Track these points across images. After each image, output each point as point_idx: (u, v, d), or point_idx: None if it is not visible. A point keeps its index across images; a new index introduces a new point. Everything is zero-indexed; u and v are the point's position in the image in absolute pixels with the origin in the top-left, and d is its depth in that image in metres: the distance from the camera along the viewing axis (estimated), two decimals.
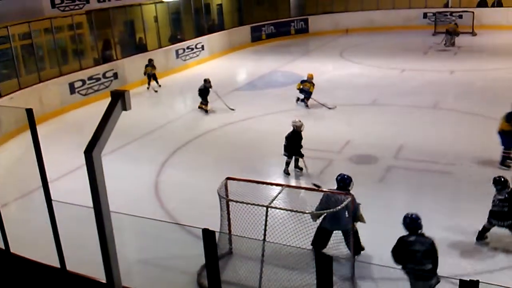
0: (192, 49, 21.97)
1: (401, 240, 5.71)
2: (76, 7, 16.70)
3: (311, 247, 6.58)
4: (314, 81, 14.49)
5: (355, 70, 19.29)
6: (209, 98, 14.80)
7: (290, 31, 27.63)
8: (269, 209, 6.28)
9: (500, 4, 27.31)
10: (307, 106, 14.45)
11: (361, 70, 19.30)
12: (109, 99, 4.76)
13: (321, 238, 6.77)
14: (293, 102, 14.69)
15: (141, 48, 19.84)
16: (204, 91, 14.75)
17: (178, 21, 22.89)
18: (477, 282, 4.19)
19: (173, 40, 21.57)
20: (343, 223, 6.58)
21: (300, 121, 10.04)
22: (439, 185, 9.32)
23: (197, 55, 22.24)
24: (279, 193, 6.67)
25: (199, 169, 10.73)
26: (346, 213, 6.48)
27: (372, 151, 11.02)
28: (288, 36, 27.33)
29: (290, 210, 6.38)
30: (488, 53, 21.11)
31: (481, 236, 7.35)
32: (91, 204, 4.73)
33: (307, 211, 6.35)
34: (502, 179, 7.17)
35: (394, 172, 10.04)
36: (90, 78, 16.82)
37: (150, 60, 17.73)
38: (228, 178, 7.02)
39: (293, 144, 9.97)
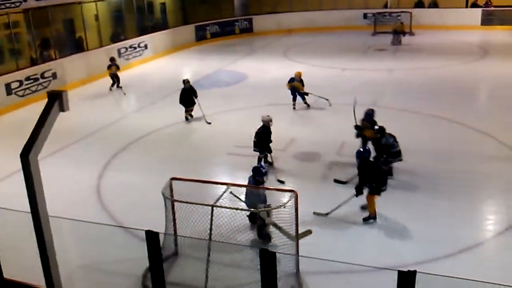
0: (135, 48, 21.59)
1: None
2: (13, 5, 16.02)
3: (256, 244, 6.63)
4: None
5: (298, 70, 19.53)
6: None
7: (235, 30, 27.71)
8: (214, 208, 6.29)
9: (436, 5, 28.53)
10: (308, 106, 14.37)
11: (303, 69, 19.49)
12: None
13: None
14: (240, 101, 14.71)
15: (81, 47, 19.28)
16: (187, 93, 13.53)
17: (120, 19, 22.42)
18: (415, 272, 4.39)
19: (115, 39, 21.11)
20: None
21: (268, 116, 10.08)
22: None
23: (140, 55, 21.88)
24: (224, 192, 6.68)
25: (143, 170, 10.57)
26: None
27: (315, 149, 11.24)
28: (232, 35, 27.39)
29: (235, 209, 6.41)
30: (426, 52, 21.99)
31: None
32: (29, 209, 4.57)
33: (251, 209, 6.38)
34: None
35: (336, 169, 10.27)
36: (27, 79, 16.18)
37: (113, 59, 17.15)
38: (172, 179, 6.96)
39: (264, 139, 10.04)
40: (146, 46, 22.17)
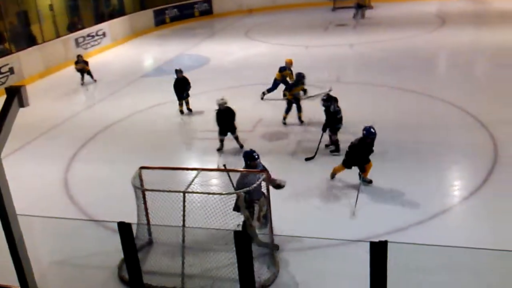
0: (93, 36, 21.07)
1: None
2: None
3: (230, 227, 6.63)
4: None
5: (261, 49, 19.53)
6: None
7: (194, 13, 27.33)
8: (186, 194, 6.26)
9: None
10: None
11: (267, 49, 19.58)
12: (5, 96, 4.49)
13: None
14: (204, 85, 14.56)
15: (37, 39, 18.69)
16: (181, 83, 12.54)
17: (75, 8, 21.79)
18: (386, 242, 4.49)
19: (72, 28, 20.53)
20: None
21: (222, 99, 10.11)
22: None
23: (99, 43, 21.37)
24: (195, 177, 6.65)
25: (111, 161, 10.42)
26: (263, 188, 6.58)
27: (282, 128, 11.29)
28: (192, 18, 27.04)
29: (207, 193, 6.39)
30: (385, 25, 22.22)
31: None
32: None
33: (224, 192, 6.38)
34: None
35: (304, 145, 10.36)
36: None
37: (79, 56, 16.46)
38: (141, 168, 6.88)
39: (222, 121, 10.09)
40: (104, 34, 21.66)
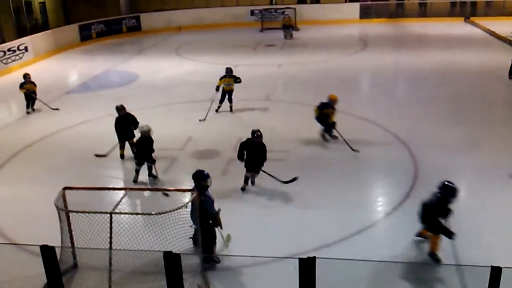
0: (14, 51, 20.14)
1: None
2: None
3: (160, 248, 6.54)
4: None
5: (190, 68, 19.54)
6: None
7: (122, 29, 26.93)
8: (113, 215, 6.11)
9: (317, 1, 29.92)
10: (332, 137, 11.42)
11: (196, 67, 19.61)
12: None
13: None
14: (132, 102, 14.28)
15: None
16: (123, 122, 10.61)
17: None
18: (314, 258, 4.64)
19: None
20: (193, 221, 6.65)
21: (147, 126, 9.36)
22: (277, 171, 9.92)
23: (21, 58, 20.45)
24: (122, 197, 6.52)
25: (32, 182, 9.94)
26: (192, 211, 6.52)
27: (213, 146, 11.32)
28: (120, 34, 26.61)
29: (135, 214, 6.28)
30: (311, 46, 22.99)
31: None
32: None
33: (153, 212, 6.29)
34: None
35: (235, 163, 10.42)
36: None
37: (26, 76, 14.31)
38: (65, 188, 6.64)
39: (143, 150, 9.40)
40: (26, 49, 20.76)
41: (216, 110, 13.55)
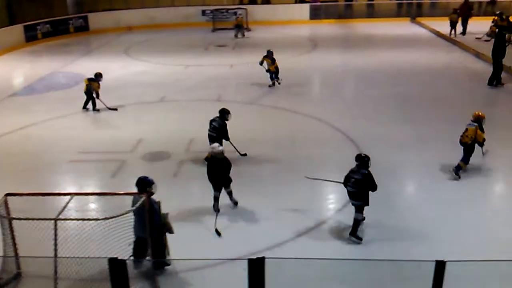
0: None
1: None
2: None
3: (109, 254, 6.38)
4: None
5: (141, 68, 19.20)
6: None
7: (69, 29, 26.15)
8: (58, 221, 5.90)
9: (268, 1, 30.09)
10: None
11: (147, 67, 19.29)
12: None
13: (135, 246, 6.59)
14: (80, 104, 13.92)
15: None
16: None
17: None
18: (263, 258, 4.63)
19: None
20: (136, 229, 6.48)
21: (218, 146, 8.26)
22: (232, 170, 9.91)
23: None
24: (67, 203, 6.30)
25: None
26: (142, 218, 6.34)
27: (164, 148, 11.15)
28: (67, 34, 25.82)
29: (81, 219, 6.09)
30: (262, 47, 22.87)
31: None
32: None
33: (100, 218, 6.12)
34: (365, 157, 7.44)
35: (187, 165, 10.34)
36: None
37: (98, 76, 13.85)
38: (7, 194, 6.36)
39: (217, 174, 8.12)
40: None
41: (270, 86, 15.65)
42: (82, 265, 5.94)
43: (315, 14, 29.19)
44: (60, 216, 5.97)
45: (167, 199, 7.10)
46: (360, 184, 7.27)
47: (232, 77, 17.85)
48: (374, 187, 7.37)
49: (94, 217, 6.32)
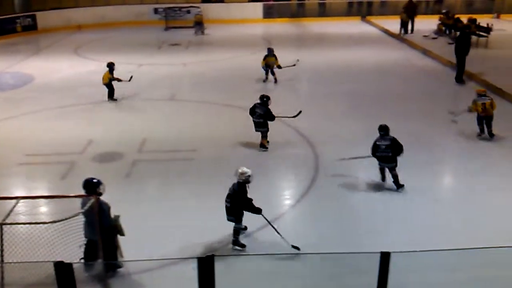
0: None
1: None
2: None
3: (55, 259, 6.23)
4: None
5: (92, 67, 18.77)
6: None
7: (16, 28, 25.32)
8: (5, 226, 5.74)
9: (222, 0, 30.02)
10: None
11: (98, 67, 18.85)
12: None
13: (85, 249, 6.46)
14: (28, 105, 13.52)
15: None
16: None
17: None
18: (212, 256, 4.65)
19: None
20: (86, 231, 6.37)
21: (246, 168, 7.54)
22: (184, 171, 9.86)
23: None
24: (14, 206, 6.12)
25: None
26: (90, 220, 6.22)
27: (116, 148, 10.98)
28: (14, 34, 25.02)
29: (28, 223, 5.94)
30: (216, 45, 23.04)
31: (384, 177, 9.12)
32: None
33: (47, 221, 5.97)
34: (386, 126, 8.92)
35: (140, 165, 10.22)
36: None
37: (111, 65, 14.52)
38: None
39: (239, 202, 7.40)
40: None
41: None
42: (29, 270, 5.80)
43: (268, 13, 29.39)
44: (7, 221, 5.79)
45: (120, 200, 7.02)
46: (391, 147, 8.63)
47: (186, 76, 17.77)
48: (402, 148, 8.69)
49: (42, 221, 6.16)
